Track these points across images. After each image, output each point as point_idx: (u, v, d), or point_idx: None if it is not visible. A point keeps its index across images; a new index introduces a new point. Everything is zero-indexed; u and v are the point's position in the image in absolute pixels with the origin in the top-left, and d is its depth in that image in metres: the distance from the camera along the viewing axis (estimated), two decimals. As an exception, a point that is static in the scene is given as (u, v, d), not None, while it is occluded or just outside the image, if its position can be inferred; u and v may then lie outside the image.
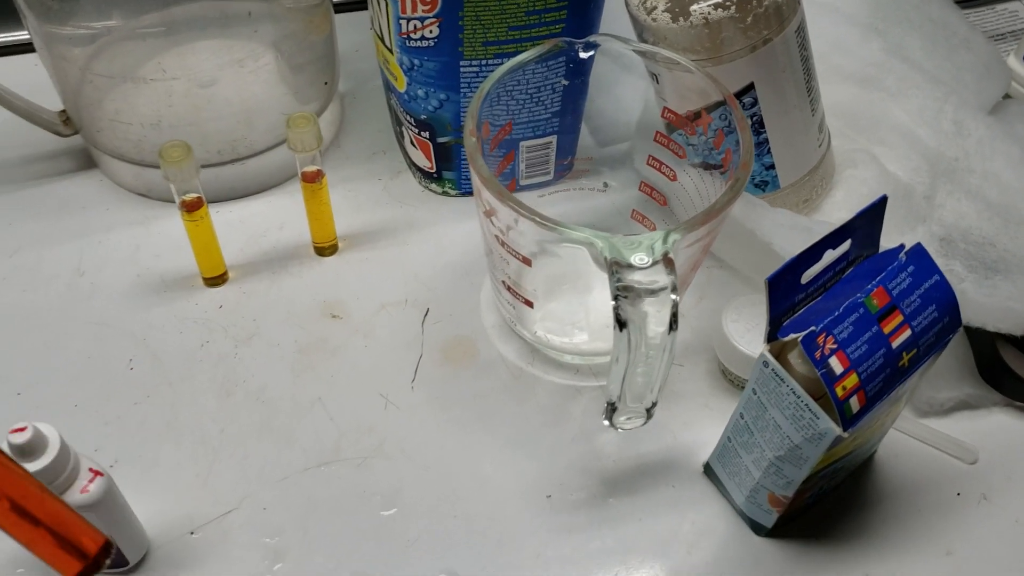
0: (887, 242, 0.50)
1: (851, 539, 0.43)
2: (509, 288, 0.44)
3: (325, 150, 0.58)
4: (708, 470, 0.44)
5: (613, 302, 0.36)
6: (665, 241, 0.37)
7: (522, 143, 0.51)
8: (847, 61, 0.56)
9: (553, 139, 0.52)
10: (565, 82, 0.49)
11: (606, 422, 0.41)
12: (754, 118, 0.46)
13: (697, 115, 0.44)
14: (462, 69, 0.48)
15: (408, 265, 0.52)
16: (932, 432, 0.46)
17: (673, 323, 0.36)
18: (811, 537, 0.43)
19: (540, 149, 0.52)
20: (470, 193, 0.56)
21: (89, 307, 0.50)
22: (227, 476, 0.43)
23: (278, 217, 0.54)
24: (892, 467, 0.45)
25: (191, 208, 0.46)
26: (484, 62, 0.48)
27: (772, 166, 0.48)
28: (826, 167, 0.51)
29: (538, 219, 0.37)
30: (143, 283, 0.51)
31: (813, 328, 0.34)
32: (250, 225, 0.54)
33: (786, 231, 0.44)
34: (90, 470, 0.36)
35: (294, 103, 0.54)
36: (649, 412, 0.41)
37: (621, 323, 0.36)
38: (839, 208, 0.51)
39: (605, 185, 0.54)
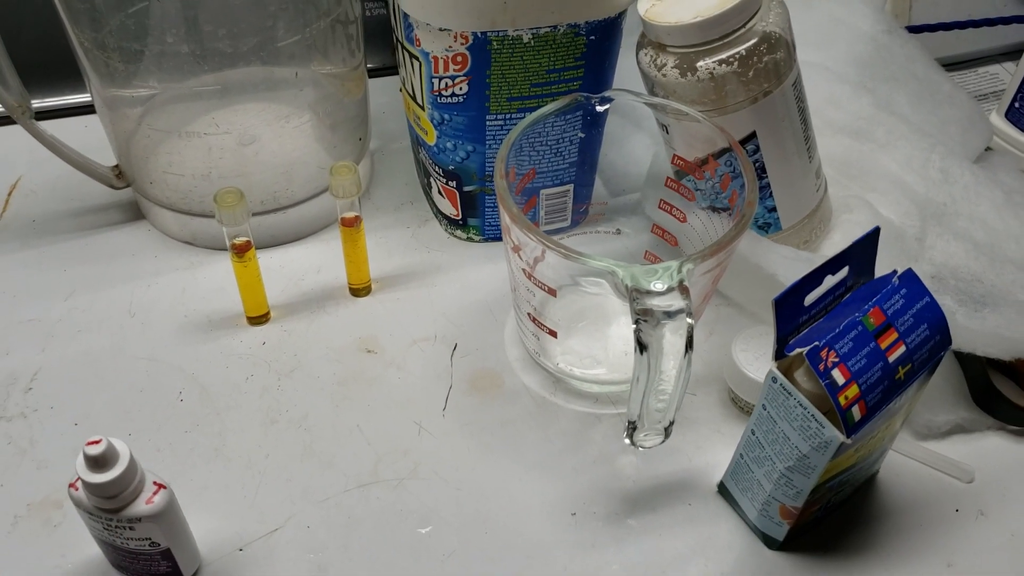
0: (883, 279, 0.54)
1: (857, 552, 0.45)
2: (534, 320, 0.48)
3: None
4: (722, 489, 0.47)
5: (634, 325, 0.40)
6: (680, 270, 0.41)
7: (542, 191, 0.56)
8: (840, 115, 0.60)
9: (571, 187, 0.56)
10: (582, 134, 0.53)
11: (627, 441, 0.44)
12: (756, 164, 0.50)
13: (704, 161, 0.49)
14: (488, 123, 0.52)
15: (437, 304, 0.56)
16: (930, 453, 0.49)
17: (689, 344, 0.40)
18: (820, 550, 0.45)
19: (559, 197, 0.56)
20: (493, 239, 0.60)
21: (140, 345, 0.53)
22: (273, 497, 0.47)
23: (315, 261, 0.58)
24: (894, 486, 0.48)
25: (241, 251, 0.50)
26: (508, 116, 0.52)
27: (774, 209, 0.53)
28: (824, 211, 0.55)
29: (563, 250, 0.41)
30: (190, 323, 0.55)
31: (817, 343, 0.38)
32: (290, 269, 0.58)
33: (789, 263, 0.48)
34: (155, 483, 0.40)
35: (330, 158, 0.59)
36: (667, 431, 0.44)
37: (642, 346, 0.40)
38: (836, 248, 0.55)
39: (618, 231, 0.59)
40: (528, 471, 0.48)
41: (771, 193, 0.52)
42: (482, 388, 0.52)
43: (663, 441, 0.44)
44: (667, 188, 0.52)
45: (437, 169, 0.57)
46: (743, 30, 0.46)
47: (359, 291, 0.56)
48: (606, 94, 0.49)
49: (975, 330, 0.48)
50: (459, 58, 0.49)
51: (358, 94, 0.59)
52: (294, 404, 0.50)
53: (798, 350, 0.38)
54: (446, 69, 0.50)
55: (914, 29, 0.77)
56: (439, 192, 0.58)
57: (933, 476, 0.49)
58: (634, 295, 0.40)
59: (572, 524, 0.46)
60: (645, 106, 0.49)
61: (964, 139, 0.63)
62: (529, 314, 0.48)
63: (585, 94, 0.49)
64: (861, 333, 0.38)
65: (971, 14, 0.81)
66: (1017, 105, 0.72)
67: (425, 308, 0.56)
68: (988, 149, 0.71)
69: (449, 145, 0.54)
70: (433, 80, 0.51)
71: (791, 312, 0.39)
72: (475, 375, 0.52)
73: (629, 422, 0.43)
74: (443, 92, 0.51)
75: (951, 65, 0.82)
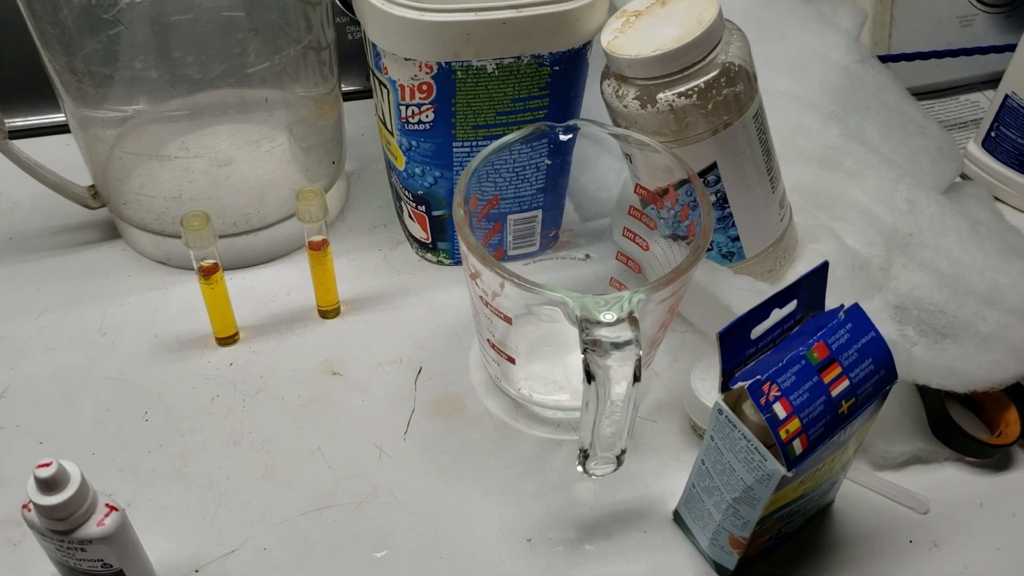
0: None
1: (810, 582, 0.46)
2: (494, 346, 0.49)
3: (331, 223, 0.63)
4: (677, 517, 0.47)
5: (582, 355, 0.40)
6: (631, 301, 0.41)
7: (510, 216, 0.56)
8: (809, 144, 0.61)
9: (538, 213, 0.57)
10: (548, 161, 0.54)
11: (580, 468, 0.44)
12: (718, 194, 0.51)
13: (665, 191, 0.49)
14: (455, 149, 0.53)
15: (404, 327, 0.57)
16: (886, 484, 0.49)
17: (637, 375, 0.40)
18: (773, 580, 0.46)
19: (526, 222, 0.57)
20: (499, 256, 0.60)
21: (109, 364, 0.54)
22: (231, 519, 0.47)
23: (286, 283, 0.59)
24: (849, 515, 0.48)
25: (208, 273, 0.51)
26: (475, 143, 0.53)
27: (737, 238, 0.53)
28: (788, 240, 0.56)
29: (516, 280, 0.41)
30: (160, 343, 0.55)
31: (759, 377, 0.38)
32: (261, 290, 0.59)
33: (744, 294, 0.49)
34: (107, 505, 0.40)
35: (304, 180, 0.59)
36: (619, 459, 0.44)
37: (589, 375, 0.40)
38: (801, 278, 0.56)
39: (587, 256, 0.59)
40: (486, 496, 0.48)
41: (734, 223, 0.52)
42: (444, 412, 0.52)
43: (615, 469, 0.45)
44: (630, 216, 0.52)
45: (407, 193, 0.57)
46: (703, 63, 0.47)
47: (327, 313, 0.57)
48: (570, 123, 0.50)
49: (930, 363, 0.48)
50: (424, 87, 0.50)
51: (332, 118, 0.60)
52: (257, 426, 0.51)
53: (740, 383, 0.38)
54: (412, 97, 0.51)
55: (892, 58, 0.78)
56: (409, 216, 0.59)
57: (888, 506, 0.49)
58: (583, 325, 0.40)
59: (527, 550, 0.46)
60: (609, 136, 0.50)
61: (934, 169, 0.64)
62: (489, 340, 0.49)
63: (549, 123, 0.50)
64: (804, 367, 0.39)
65: (951, 43, 0.81)
66: (994, 134, 0.73)
67: (392, 331, 0.56)
68: (964, 178, 0.72)
69: (418, 171, 0.55)
70: (400, 107, 0.51)
71: (736, 345, 0.39)
72: (438, 399, 0.53)
73: (581, 450, 0.44)
74: (410, 119, 0.52)
75: (932, 93, 0.83)
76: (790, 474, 0.38)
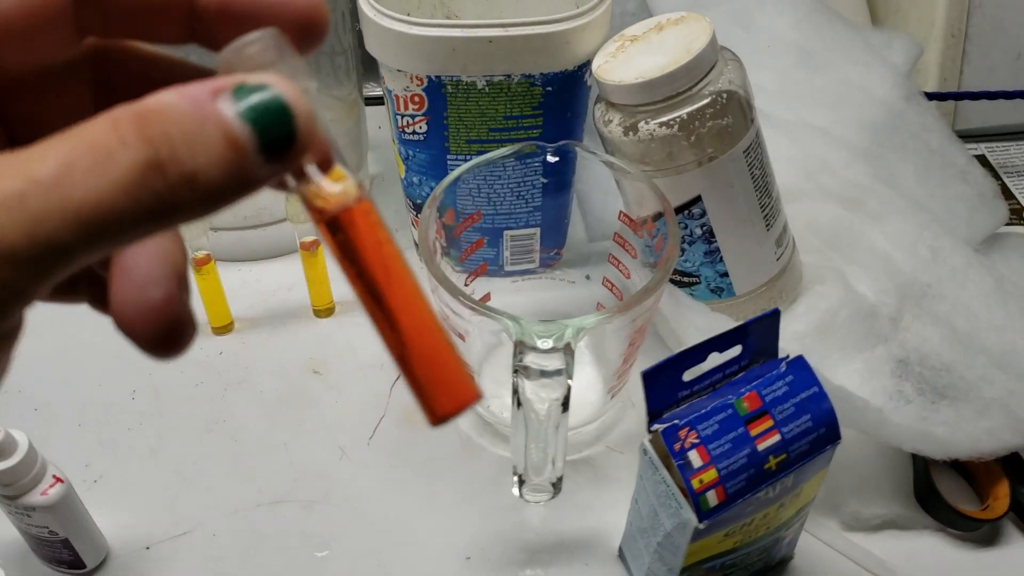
0: (841, 357, 0.52)
1: (749, 639, 0.44)
2: (457, 361, 0.49)
3: (345, 224, 0.64)
4: (621, 553, 0.46)
5: (513, 379, 0.40)
6: (571, 332, 0.40)
7: (506, 232, 0.56)
8: (832, 182, 0.58)
9: (536, 231, 0.57)
10: (544, 180, 0.54)
11: (515, 492, 0.44)
12: (704, 228, 0.49)
13: (645, 221, 0.48)
14: (449, 162, 0.53)
15: (392, 333, 0.57)
16: (852, 546, 0.47)
17: (565, 405, 0.40)
18: (710, 631, 0.44)
19: (524, 239, 0.57)
20: (462, 271, 0.60)
21: (109, 342, 0.56)
22: (190, 502, 0.49)
23: (289, 280, 0.60)
24: (807, 574, 0.46)
25: (200, 264, 0.53)
26: (468, 157, 0.53)
27: (726, 274, 0.51)
28: (787, 280, 0.54)
29: (461, 298, 0.41)
30: (161, 325, 0.58)
31: (677, 421, 0.37)
32: (263, 284, 0.60)
33: (699, 333, 0.47)
34: (53, 476, 0.42)
35: (316, 180, 0.61)
36: (556, 486, 0.44)
37: (518, 400, 0.40)
38: (797, 320, 0.53)
39: (588, 277, 0.58)
40: (435, 509, 0.49)
41: (722, 258, 0.51)
42: (413, 421, 0.53)
43: (552, 497, 0.44)
44: (614, 242, 0.51)
45: (409, 201, 0.58)
46: (688, 93, 0.46)
47: (321, 312, 0.58)
48: (561, 144, 0.50)
49: (904, 426, 0.45)
50: (416, 98, 0.50)
51: (348, 122, 0.61)
52: (233, 415, 0.53)
53: (656, 426, 0.37)
54: (406, 107, 0.51)
55: (960, 95, 0.73)
56: (412, 223, 0.59)
57: (853, 571, 0.46)
58: (518, 348, 0.40)
59: (464, 567, 0.46)
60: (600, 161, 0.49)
61: (971, 218, 0.60)
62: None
63: (541, 143, 0.50)
64: (730, 416, 0.37)
65: (1033, 83, 0.76)
66: (1060, 184, 0.68)
67: (380, 336, 0.57)
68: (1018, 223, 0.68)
69: (416, 180, 0.55)
70: (397, 117, 0.52)
71: (665, 386, 0.38)
72: (410, 408, 0.53)
73: (516, 475, 0.43)
74: (406, 129, 0.52)
75: (1008, 135, 0.78)
76: (702, 525, 0.36)
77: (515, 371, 0.39)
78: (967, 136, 0.78)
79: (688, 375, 0.39)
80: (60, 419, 0.53)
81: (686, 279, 0.53)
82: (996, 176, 0.76)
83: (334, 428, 0.52)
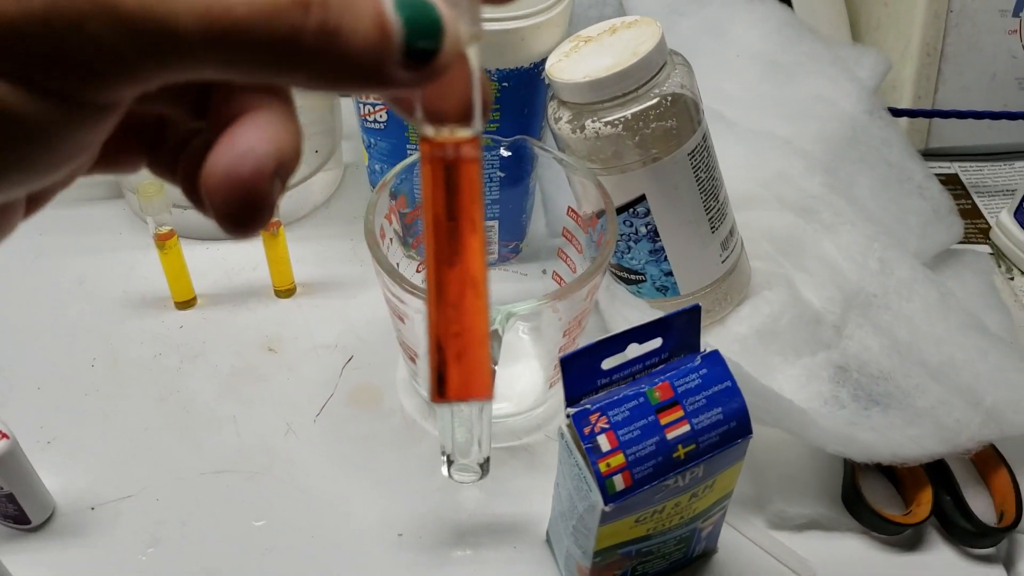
0: (782, 361, 0.53)
1: (665, 627, 0.45)
2: (401, 342, 0.50)
3: (315, 211, 0.66)
4: (548, 537, 0.48)
5: (440, 361, 0.41)
6: (504, 317, 0.42)
7: (464, 224, 0.57)
8: (788, 190, 0.59)
9: (494, 224, 0.58)
10: (501, 174, 0.55)
11: (445, 473, 0.45)
12: (648, 227, 0.51)
13: (590, 217, 0.49)
14: (409, 151, 0.55)
15: (350, 316, 0.59)
16: (774, 543, 0.48)
17: (489, 387, 0.41)
18: (627, 617, 0.45)
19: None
20: (416, 259, 0.62)
21: (78, 310, 0.59)
22: (136, 467, 0.50)
23: (254, 260, 0.62)
24: (728, 568, 0.47)
25: (163, 239, 0.55)
26: (427, 148, 0.54)
27: (671, 273, 0.53)
28: (733, 282, 0.55)
29: (388, 275, 0.43)
30: (127, 298, 0.59)
31: (588, 406, 0.38)
32: (230, 262, 0.62)
33: (628, 326, 0.48)
34: (0, 432, 0.44)
35: (287, 165, 0.62)
36: (483, 467, 0.45)
37: (444, 380, 0.41)
38: (741, 323, 0.55)
39: (544, 271, 0.60)
40: (373, 487, 0.50)
41: (666, 257, 0.52)
42: (361, 401, 0.54)
43: (480, 478, 0.45)
44: (563, 238, 0.53)
45: (373, 189, 0.59)
46: (633, 94, 0.47)
47: (281, 293, 0.59)
48: (515, 139, 0.51)
49: (827, 428, 0.47)
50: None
51: (323, 109, 0.63)
52: (186, 387, 0.54)
53: (568, 410, 0.39)
54: (367, 96, 0.53)
55: (931, 113, 0.74)
56: (376, 211, 0.61)
57: (774, 567, 0.47)
58: (446, 333, 0.41)
59: (395, 544, 0.48)
60: (552, 157, 0.51)
61: (924, 232, 0.61)
62: (397, 335, 0.50)
63: (496, 137, 0.51)
64: (641, 405, 0.38)
65: (1007, 104, 0.77)
66: (1025, 205, 0.69)
67: (337, 318, 0.59)
68: (993, 247, 0.69)
69: (377, 167, 0.57)
70: (359, 105, 0.54)
71: (583, 373, 0.39)
72: (358, 388, 0.55)
73: (444, 455, 0.45)
74: (367, 117, 0.54)
75: (981, 156, 0.79)
76: (608, 508, 0.38)
77: (442, 352, 0.41)
78: (940, 154, 0.80)
79: (608, 364, 0.40)
80: (20, 381, 0.54)
81: (632, 277, 0.54)
82: (967, 195, 0.77)
83: (283, 404, 0.54)
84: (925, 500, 0.48)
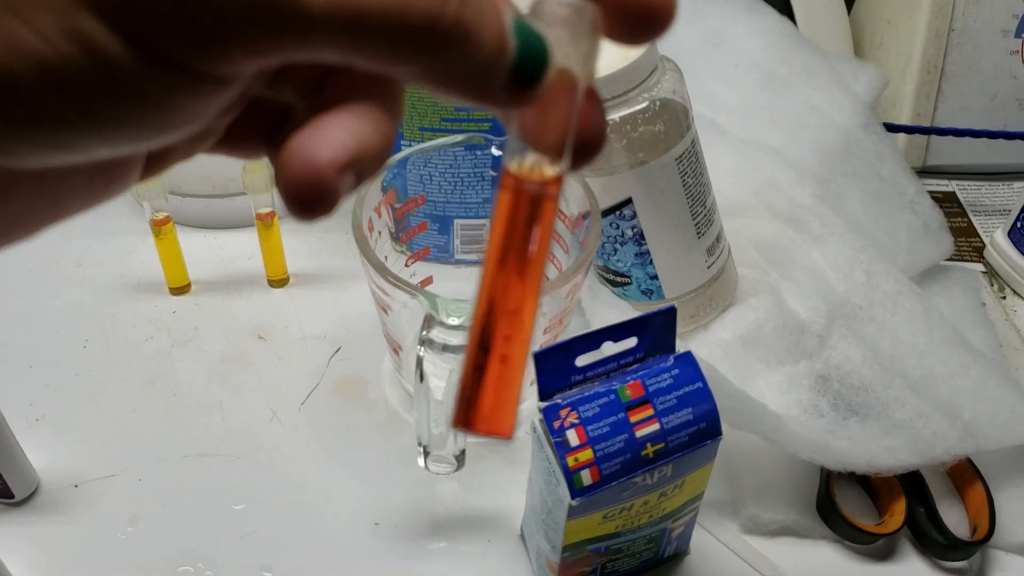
0: (764, 368, 0.53)
1: (633, 625, 0.45)
2: (386, 334, 0.51)
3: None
4: (522, 532, 0.48)
5: (418, 351, 0.42)
6: (482, 311, 0.42)
7: (456, 220, 0.58)
8: (779, 200, 0.60)
9: (486, 222, 0.59)
10: (494, 173, 0.56)
11: (421, 463, 0.46)
12: (635, 229, 0.51)
13: (576, 217, 0.50)
14: (402, 147, 0.56)
15: (340, 307, 0.59)
16: (745, 546, 0.48)
17: (465, 380, 0.41)
18: (596, 614, 0.46)
19: (474, 229, 0.59)
20: (405, 253, 0.63)
21: (73, 292, 0.60)
22: (122, 447, 0.51)
23: (250, 249, 0.63)
24: (699, 570, 0.48)
25: (159, 225, 0.56)
26: (421, 143, 0.55)
27: (656, 276, 0.53)
28: (719, 288, 0.55)
29: (373, 267, 0.44)
30: (123, 281, 0.60)
31: (559, 400, 0.39)
32: (227, 251, 0.63)
33: (603, 323, 0.49)
34: (-13, 405, 0.45)
35: (285, 157, 0.63)
36: (459, 459, 0.46)
37: (422, 372, 0.42)
38: (726, 328, 0.55)
39: (534, 273, 0.60)
40: (352, 476, 0.51)
41: (651, 260, 0.52)
42: (345, 392, 0.55)
43: (456, 469, 0.46)
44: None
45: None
46: (624, 97, 0.48)
47: (274, 282, 0.60)
48: (505, 138, 0.52)
49: (801, 435, 0.47)
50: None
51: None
52: (176, 371, 0.55)
53: (539, 404, 0.39)
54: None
55: (927, 131, 0.75)
56: (370, 206, 0.62)
57: (746, 572, 0.48)
58: (425, 322, 0.42)
59: (371, 532, 0.48)
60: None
61: (914, 247, 0.61)
62: (383, 327, 0.51)
63: (488, 136, 0.52)
64: (612, 402, 0.39)
65: (1007, 124, 0.77)
66: (1019, 224, 0.69)
67: (328, 309, 0.59)
68: (987, 266, 0.69)
69: (372, 163, 0.58)
70: (356, 100, 0.55)
71: (557, 369, 0.40)
72: (344, 379, 0.55)
73: (420, 445, 0.45)
74: (363, 112, 0.55)
75: (980, 175, 0.79)
76: (575, 503, 0.38)
77: (420, 343, 0.42)
78: (938, 172, 0.80)
79: (583, 361, 0.40)
80: (13, 359, 0.55)
81: (619, 279, 0.54)
82: (963, 213, 0.77)
83: (269, 391, 0.54)
84: (898, 511, 0.49)
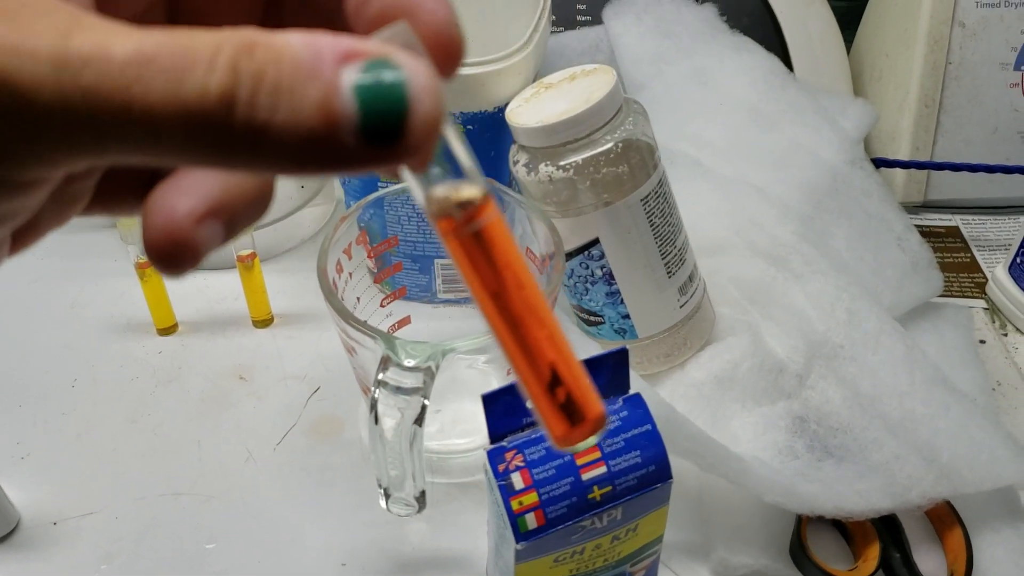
0: (740, 408, 0.53)
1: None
2: (356, 376, 0.51)
3: (303, 244, 0.68)
4: (487, 575, 0.48)
5: (373, 392, 0.42)
6: (437, 353, 0.43)
7: (436, 260, 0.59)
8: (760, 238, 0.59)
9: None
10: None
11: (383, 505, 0.46)
12: (603, 269, 0.51)
13: (544, 258, 0.50)
14: (379, 186, 0.57)
15: (322, 348, 0.60)
16: (713, 591, 0.47)
17: (419, 421, 0.42)
18: (559, 659, 0.45)
19: (454, 268, 0.59)
20: (381, 292, 0.63)
21: (66, 332, 0.61)
22: (101, 486, 0.52)
23: (236, 290, 0.64)
24: (665, 615, 0.47)
25: (144, 267, 0.57)
26: (397, 183, 0.56)
27: (628, 316, 0.53)
28: (694, 327, 0.55)
29: (334, 309, 0.44)
30: (114, 323, 0.62)
31: (504, 444, 0.39)
32: (214, 291, 0.64)
33: None
34: (-37, 445, 0.46)
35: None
36: (419, 501, 0.46)
37: (376, 413, 0.42)
38: (701, 368, 0.55)
39: (515, 312, 0.60)
40: (322, 516, 0.51)
41: (622, 300, 0.52)
42: (322, 432, 0.55)
43: (419, 511, 0.46)
44: (523, 278, 0.53)
45: (351, 225, 0.61)
46: (587, 139, 0.48)
47: (258, 323, 0.61)
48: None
49: (766, 478, 0.46)
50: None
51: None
52: (157, 410, 0.56)
53: (482, 448, 0.39)
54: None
55: (924, 165, 0.74)
56: (354, 246, 0.63)
57: (713, 616, 0.47)
58: (382, 363, 0.42)
59: (338, 572, 0.48)
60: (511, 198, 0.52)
61: (901, 284, 0.60)
62: (353, 368, 0.52)
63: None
64: (558, 445, 0.39)
65: (1009, 158, 0.76)
66: (1019, 260, 0.68)
67: (310, 350, 0.60)
68: (989, 302, 0.68)
69: (352, 203, 0.59)
70: (333, 144, 0.56)
71: (507, 411, 0.40)
72: (320, 419, 0.56)
73: (380, 487, 0.45)
74: (341, 156, 0.56)
75: (983, 209, 0.78)
76: (520, 546, 0.38)
77: (374, 385, 0.42)
78: (940, 207, 0.79)
79: (533, 403, 0.41)
80: (3, 398, 0.57)
81: (592, 318, 0.54)
82: (966, 248, 0.76)
83: (246, 432, 0.55)
84: (872, 556, 0.48)
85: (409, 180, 0.20)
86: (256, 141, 0.16)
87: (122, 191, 0.22)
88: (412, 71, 0.17)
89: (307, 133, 0.16)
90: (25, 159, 0.16)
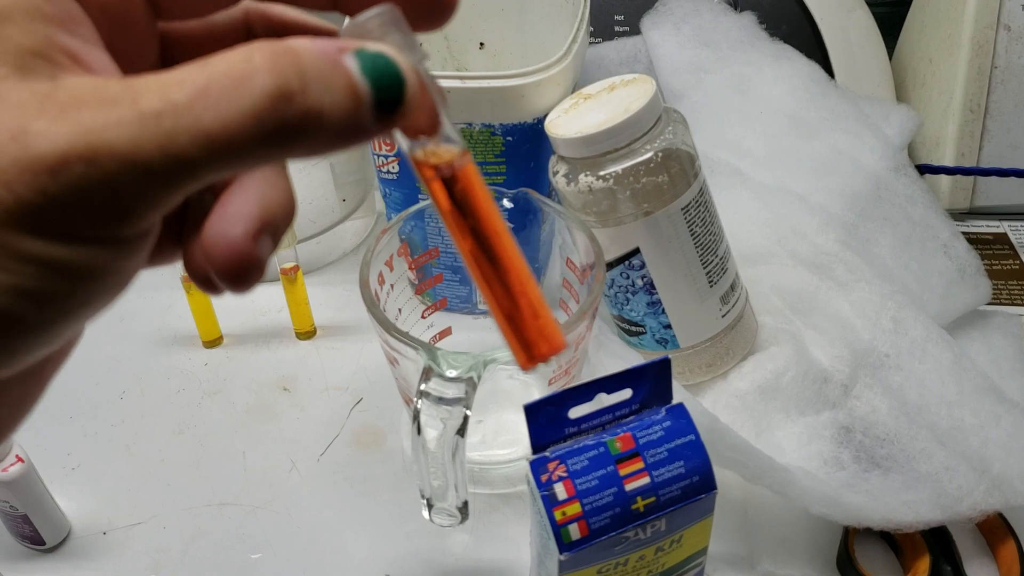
0: (784, 419, 0.53)
1: None
2: (398, 387, 0.52)
3: (344, 257, 0.69)
4: (530, 586, 0.48)
5: (415, 402, 0.42)
6: (480, 365, 0.43)
7: (476, 272, 0.59)
8: (802, 246, 0.59)
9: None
10: (510, 224, 0.56)
11: (426, 516, 0.46)
12: (644, 279, 0.51)
13: (585, 268, 0.50)
14: (420, 198, 0.57)
15: (364, 360, 0.61)
16: (759, 604, 0.47)
17: (461, 433, 0.42)
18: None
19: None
20: (423, 304, 0.64)
21: (113, 345, 0.62)
22: (149, 496, 0.53)
23: (279, 302, 0.65)
24: (710, 628, 0.47)
25: (188, 281, 0.58)
26: (438, 199, 0.56)
27: (669, 326, 0.53)
28: (736, 337, 0.55)
29: (376, 320, 0.44)
30: (160, 335, 0.63)
31: (547, 454, 0.39)
32: (258, 304, 0.65)
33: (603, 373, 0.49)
34: (16, 456, 0.47)
35: (312, 212, 0.65)
36: (462, 512, 0.46)
37: (418, 424, 0.42)
38: (743, 378, 0.54)
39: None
40: (366, 526, 0.51)
41: (664, 310, 0.52)
42: (365, 443, 0.56)
43: (461, 522, 0.46)
44: (563, 288, 0.54)
45: (391, 237, 0.62)
46: (626, 149, 0.48)
47: (301, 335, 0.62)
48: (517, 191, 0.53)
49: (810, 488, 0.46)
50: (387, 140, 0.54)
51: (352, 159, 0.66)
52: (203, 422, 0.57)
53: (529, 457, 0.39)
54: (380, 148, 0.55)
55: (969, 172, 0.73)
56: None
57: (759, 629, 0.47)
58: (424, 374, 0.43)
59: (382, 583, 0.49)
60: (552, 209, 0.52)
61: (947, 292, 0.59)
62: (396, 379, 0.52)
63: (500, 189, 0.53)
64: (602, 455, 0.39)
65: (1058, 163, 0.75)
66: (1070, 267, 0.66)
67: (352, 361, 0.61)
68: None
69: (393, 216, 0.59)
70: (374, 156, 0.56)
71: (549, 421, 0.40)
72: (363, 430, 0.56)
73: (424, 498, 0.46)
74: (381, 168, 0.56)
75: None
76: (563, 557, 0.38)
77: (416, 396, 0.42)
78: (987, 213, 0.77)
79: (576, 413, 0.40)
80: (55, 411, 0.58)
81: (634, 328, 0.54)
82: (1015, 255, 0.74)
83: (290, 443, 0.56)
84: (922, 569, 0.47)
85: (402, 142, 0.23)
86: (315, 125, 0.19)
87: (163, 243, 0.24)
88: (388, 52, 0.20)
89: (345, 110, 0.19)
90: (144, 211, 0.19)
